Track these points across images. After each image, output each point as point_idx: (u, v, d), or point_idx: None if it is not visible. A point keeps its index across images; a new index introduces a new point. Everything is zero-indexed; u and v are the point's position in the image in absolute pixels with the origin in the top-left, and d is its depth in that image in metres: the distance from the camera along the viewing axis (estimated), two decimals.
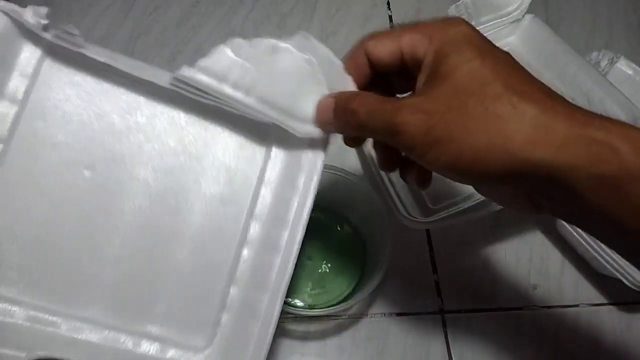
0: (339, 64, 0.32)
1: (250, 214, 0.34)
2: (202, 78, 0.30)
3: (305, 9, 0.60)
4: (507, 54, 0.27)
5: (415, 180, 0.32)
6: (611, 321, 0.44)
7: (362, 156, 0.49)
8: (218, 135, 0.34)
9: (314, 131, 0.32)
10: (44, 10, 0.31)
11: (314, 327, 0.43)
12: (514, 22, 0.51)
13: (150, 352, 0.33)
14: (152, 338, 0.33)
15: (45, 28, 0.32)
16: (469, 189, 0.43)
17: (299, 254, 0.44)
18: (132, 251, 0.33)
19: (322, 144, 0.33)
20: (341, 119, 0.30)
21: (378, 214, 0.42)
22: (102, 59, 0.31)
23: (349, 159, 0.50)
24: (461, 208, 0.41)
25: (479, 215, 0.41)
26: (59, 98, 0.33)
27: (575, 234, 0.43)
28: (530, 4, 0.50)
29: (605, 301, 0.45)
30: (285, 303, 0.39)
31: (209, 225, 0.34)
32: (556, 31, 0.49)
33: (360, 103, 0.28)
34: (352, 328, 0.43)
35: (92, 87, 0.33)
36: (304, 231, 0.33)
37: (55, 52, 0.32)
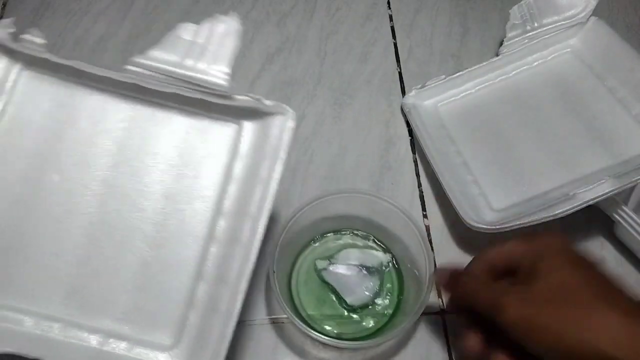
0: None
1: (218, 210, 0.35)
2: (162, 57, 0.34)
3: (305, 8, 0.60)
4: (596, 264, 0.32)
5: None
6: None
7: (433, 162, 0.48)
8: (182, 130, 0.36)
9: None
10: (9, 21, 0.33)
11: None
12: (577, 24, 0.50)
13: (116, 350, 0.33)
14: (117, 336, 0.33)
15: (15, 38, 0.33)
16: (533, 191, 0.44)
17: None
18: (96, 249, 0.34)
19: (287, 132, 0.34)
20: (451, 288, 0.37)
21: (417, 242, 0.41)
22: (68, 63, 0.33)
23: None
24: (527, 213, 0.41)
25: (545, 219, 0.41)
26: (34, 110, 0.34)
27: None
28: (596, 7, 0.50)
29: None
30: (312, 328, 0.37)
31: (175, 222, 0.35)
32: (622, 36, 0.49)
33: (472, 279, 0.35)
34: None
35: (65, 97, 0.35)
36: (267, 221, 0.33)
37: (33, 64, 0.34)
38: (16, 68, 0.34)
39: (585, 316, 0.29)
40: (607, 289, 0.30)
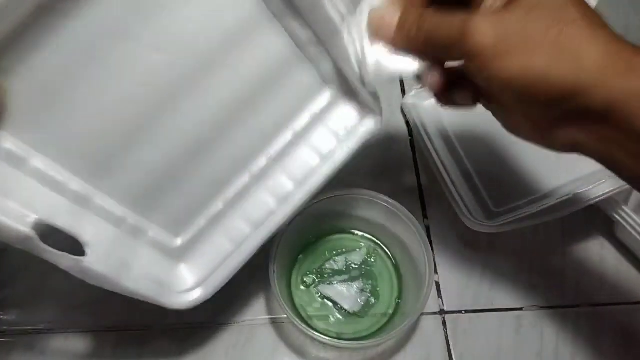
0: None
1: (266, 149, 0.35)
2: None
3: None
4: None
5: (464, 99, 0.32)
6: (612, 321, 0.44)
7: (433, 162, 0.48)
8: (296, 68, 0.34)
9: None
10: None
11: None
12: None
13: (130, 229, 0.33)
14: (140, 226, 0.34)
15: None
16: (533, 191, 0.44)
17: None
18: (170, 150, 0.33)
19: (368, 130, 0.35)
20: (405, 34, 0.29)
21: (417, 242, 0.41)
22: None
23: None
24: (527, 213, 0.42)
25: (545, 220, 0.41)
26: None
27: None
28: (595, 7, 0.50)
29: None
30: (312, 328, 0.38)
31: (232, 143, 0.34)
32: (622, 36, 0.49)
33: (427, 16, 0.28)
34: None
35: None
36: (311, 195, 0.34)
37: None
38: None
39: (567, 38, 0.24)
40: (590, 8, 0.26)
